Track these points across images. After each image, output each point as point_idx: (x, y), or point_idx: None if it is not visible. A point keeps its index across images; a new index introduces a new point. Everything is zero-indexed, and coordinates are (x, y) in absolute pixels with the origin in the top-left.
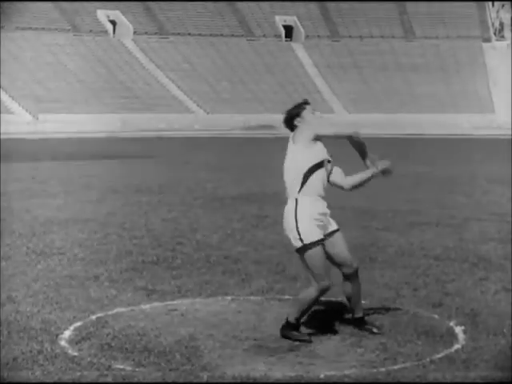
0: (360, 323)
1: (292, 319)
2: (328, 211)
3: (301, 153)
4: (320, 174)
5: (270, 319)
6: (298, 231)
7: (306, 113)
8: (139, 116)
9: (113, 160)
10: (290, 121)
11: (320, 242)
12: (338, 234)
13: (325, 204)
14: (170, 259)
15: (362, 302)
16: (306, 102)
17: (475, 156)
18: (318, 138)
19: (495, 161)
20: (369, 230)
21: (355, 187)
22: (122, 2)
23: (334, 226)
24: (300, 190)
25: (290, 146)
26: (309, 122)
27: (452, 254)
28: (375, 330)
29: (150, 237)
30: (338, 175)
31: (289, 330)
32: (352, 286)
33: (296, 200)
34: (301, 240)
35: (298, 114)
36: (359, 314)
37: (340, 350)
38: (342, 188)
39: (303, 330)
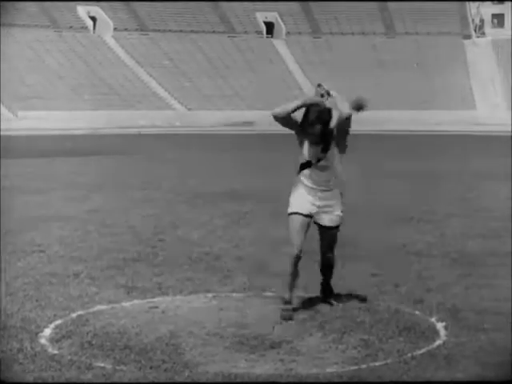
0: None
1: (286, 297)
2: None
3: None
4: None
5: (251, 316)
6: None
7: None
8: (120, 113)
9: (94, 157)
10: None
11: (294, 213)
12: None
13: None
14: (151, 256)
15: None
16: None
17: (457, 152)
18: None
19: (477, 157)
20: (351, 225)
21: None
22: None
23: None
24: None
25: None
26: None
27: (433, 250)
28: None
29: (131, 234)
30: None
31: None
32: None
33: None
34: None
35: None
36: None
37: (322, 347)
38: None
39: (284, 327)
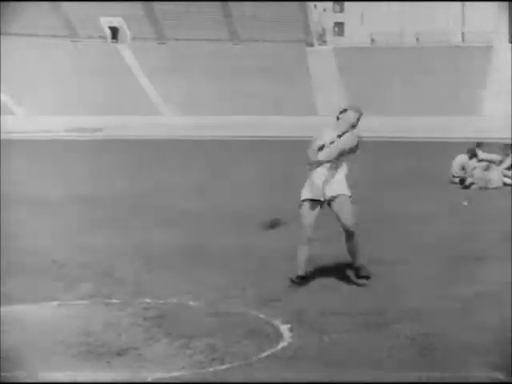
0: (357, 272)
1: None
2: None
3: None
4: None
5: (97, 323)
6: None
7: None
8: None
9: None
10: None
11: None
12: (339, 200)
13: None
14: None
15: (191, 302)
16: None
17: (291, 157)
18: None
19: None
20: (199, 230)
21: None
22: None
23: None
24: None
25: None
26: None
27: (278, 254)
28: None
29: None
30: None
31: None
32: (347, 244)
33: None
34: None
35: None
36: (355, 264)
37: (169, 352)
38: None
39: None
